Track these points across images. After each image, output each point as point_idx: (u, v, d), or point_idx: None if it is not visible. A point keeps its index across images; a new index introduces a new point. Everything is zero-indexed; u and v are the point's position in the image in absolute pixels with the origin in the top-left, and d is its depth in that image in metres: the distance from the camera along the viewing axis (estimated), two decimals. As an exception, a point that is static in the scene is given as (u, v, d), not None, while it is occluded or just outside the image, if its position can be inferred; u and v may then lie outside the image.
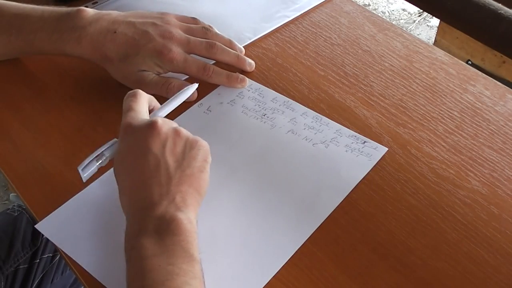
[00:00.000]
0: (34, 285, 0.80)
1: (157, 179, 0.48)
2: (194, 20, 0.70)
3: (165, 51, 0.64)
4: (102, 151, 0.53)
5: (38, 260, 0.80)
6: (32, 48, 0.66)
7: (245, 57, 0.70)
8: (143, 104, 0.54)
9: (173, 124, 0.53)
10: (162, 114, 0.56)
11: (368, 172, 0.58)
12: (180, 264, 0.43)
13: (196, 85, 0.62)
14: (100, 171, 0.54)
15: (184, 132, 0.52)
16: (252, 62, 0.70)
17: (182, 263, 0.44)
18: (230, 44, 0.69)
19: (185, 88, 0.60)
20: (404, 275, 0.50)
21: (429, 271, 0.50)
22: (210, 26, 0.70)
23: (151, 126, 0.50)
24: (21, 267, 0.79)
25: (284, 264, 0.50)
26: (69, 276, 0.85)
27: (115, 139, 0.53)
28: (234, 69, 0.69)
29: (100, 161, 0.53)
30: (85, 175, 0.52)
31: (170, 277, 0.42)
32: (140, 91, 0.55)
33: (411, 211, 0.55)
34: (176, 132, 0.51)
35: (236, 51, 0.70)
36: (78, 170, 0.52)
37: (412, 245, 0.52)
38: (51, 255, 0.82)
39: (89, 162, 0.52)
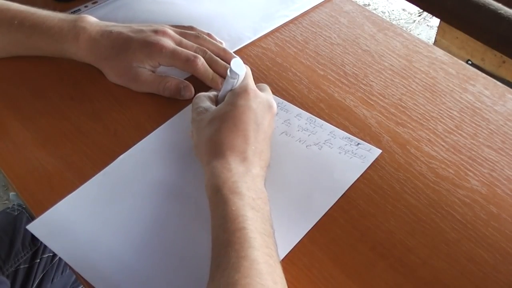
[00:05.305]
0: (35, 285, 0.80)
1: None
2: (191, 28, 0.70)
3: (155, 41, 0.64)
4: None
5: (38, 260, 0.80)
6: (30, 41, 0.67)
7: None
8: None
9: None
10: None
11: (367, 172, 0.58)
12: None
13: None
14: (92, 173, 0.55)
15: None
16: None
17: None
18: (224, 52, 0.69)
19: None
20: (403, 274, 0.50)
21: (428, 271, 0.50)
22: (209, 34, 0.70)
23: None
24: (21, 267, 0.79)
25: (283, 264, 0.50)
26: (69, 275, 0.85)
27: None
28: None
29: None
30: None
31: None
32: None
33: (410, 211, 0.55)
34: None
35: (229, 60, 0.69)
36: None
37: (411, 244, 0.52)
38: (51, 254, 0.82)
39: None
